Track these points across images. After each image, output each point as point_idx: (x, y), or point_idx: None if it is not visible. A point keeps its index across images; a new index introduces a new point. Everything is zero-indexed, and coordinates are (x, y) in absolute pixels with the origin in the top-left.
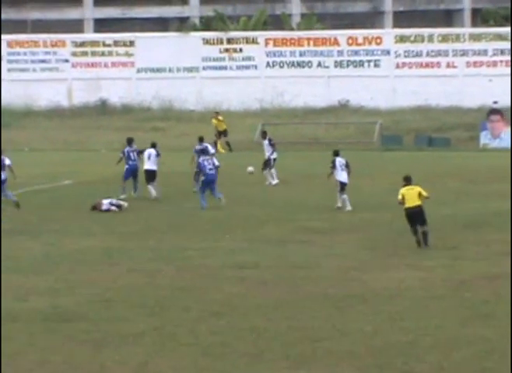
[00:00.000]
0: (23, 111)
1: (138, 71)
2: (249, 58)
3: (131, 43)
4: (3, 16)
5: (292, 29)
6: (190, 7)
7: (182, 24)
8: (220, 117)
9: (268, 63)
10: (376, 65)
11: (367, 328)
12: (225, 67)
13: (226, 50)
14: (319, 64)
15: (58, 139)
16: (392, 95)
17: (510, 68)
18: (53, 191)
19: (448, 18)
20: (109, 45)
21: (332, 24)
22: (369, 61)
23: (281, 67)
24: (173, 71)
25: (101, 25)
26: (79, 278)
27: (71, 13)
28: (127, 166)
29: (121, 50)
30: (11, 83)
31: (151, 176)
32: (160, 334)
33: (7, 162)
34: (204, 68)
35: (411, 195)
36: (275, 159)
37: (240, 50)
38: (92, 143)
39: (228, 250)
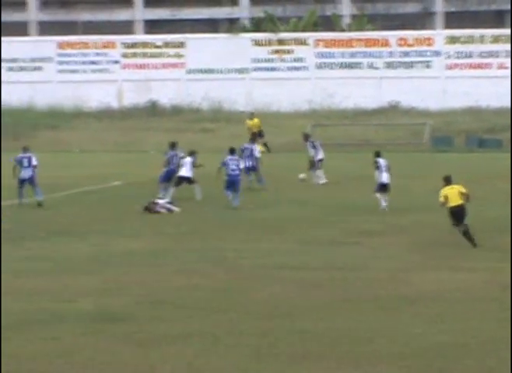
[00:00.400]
0: (73, 112)
1: (188, 72)
2: (299, 59)
3: (182, 45)
4: (54, 18)
5: (342, 30)
6: (240, 8)
7: (232, 25)
8: (256, 119)
9: (318, 64)
10: (426, 66)
11: (416, 330)
12: (275, 69)
13: (276, 52)
14: (369, 66)
15: (108, 140)
16: (443, 97)
17: None
18: (102, 192)
19: (499, 18)
20: (159, 46)
21: (383, 25)
22: (419, 62)
23: (331, 68)
24: (223, 73)
25: (151, 26)
26: (127, 279)
27: (121, 14)
28: (166, 169)
29: (171, 51)
30: (61, 84)
31: (182, 181)
32: (207, 335)
33: (34, 162)
34: (254, 69)
35: (453, 194)
36: (320, 160)
37: (290, 51)
38: (141, 144)
39: (280, 251)
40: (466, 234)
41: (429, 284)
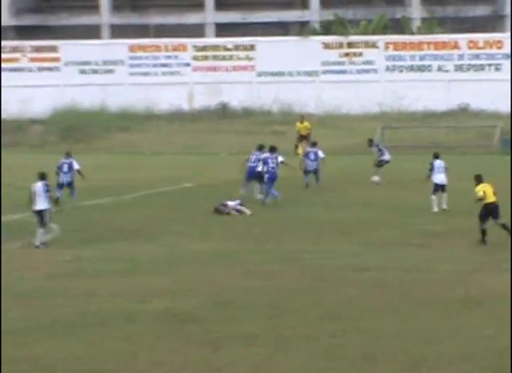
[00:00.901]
0: (144, 115)
1: (259, 74)
2: (369, 62)
3: (252, 47)
4: (125, 21)
5: (412, 33)
6: (310, 11)
7: (302, 28)
8: (306, 122)
9: (387, 67)
10: (496, 69)
11: (486, 331)
12: (344, 71)
13: (346, 54)
14: (439, 68)
15: (179, 142)
16: None
17: None
18: (173, 194)
19: None
20: (230, 49)
21: (452, 28)
22: (489, 65)
23: (401, 71)
24: (293, 75)
25: (222, 29)
26: (197, 280)
27: (192, 18)
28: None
29: (242, 54)
30: (133, 87)
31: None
32: (276, 336)
33: (76, 166)
34: (323, 72)
35: (489, 192)
36: (387, 162)
37: (360, 54)
38: (212, 146)
39: (344, 253)
40: (505, 227)
41: (495, 286)
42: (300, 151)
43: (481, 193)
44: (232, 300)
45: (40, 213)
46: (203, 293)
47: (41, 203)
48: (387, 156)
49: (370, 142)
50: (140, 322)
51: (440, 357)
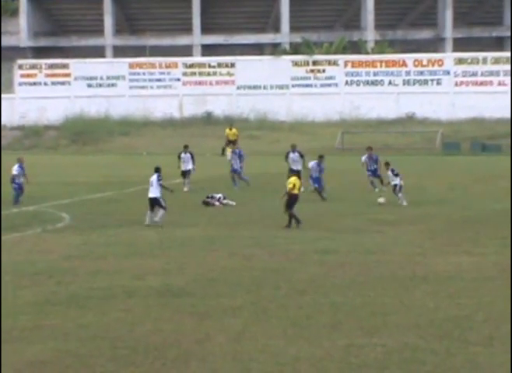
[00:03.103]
0: (142, 121)
1: (238, 88)
2: (331, 77)
3: (232, 65)
4: (126, 42)
5: (367, 52)
6: (281, 34)
7: (275, 49)
8: (234, 129)
9: (346, 81)
10: (438, 83)
11: (430, 304)
12: (310, 85)
13: (312, 71)
14: (390, 83)
15: (171, 145)
16: (452, 109)
17: None
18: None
19: (499, 43)
20: (214, 66)
21: (401, 48)
22: (432, 80)
23: (357, 85)
24: (267, 88)
25: (207, 49)
26: (187, 261)
27: (182, 40)
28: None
29: (224, 70)
30: (132, 98)
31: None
32: (255, 308)
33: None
34: (293, 86)
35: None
36: (400, 187)
37: (324, 70)
38: (199, 148)
39: (312, 238)
40: None
41: (441, 266)
42: (228, 152)
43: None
44: (217, 278)
45: (151, 200)
46: (192, 272)
47: (153, 192)
48: (399, 181)
49: (387, 165)
50: (138, 297)
51: (391, 326)
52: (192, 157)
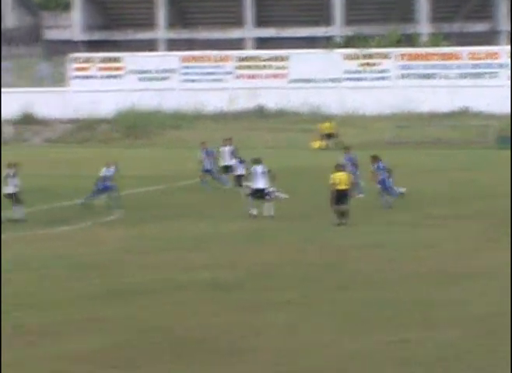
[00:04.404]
0: (193, 115)
1: (290, 81)
2: (383, 71)
3: (285, 58)
4: (178, 36)
5: (420, 46)
6: (334, 28)
7: (327, 42)
8: (329, 123)
9: (399, 75)
10: (493, 77)
11: (480, 300)
12: (363, 79)
13: (365, 64)
14: (443, 76)
15: (222, 139)
16: (507, 103)
17: None
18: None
19: None
20: (266, 60)
21: (457, 41)
22: (487, 73)
23: (410, 78)
24: (320, 82)
25: (260, 43)
26: (237, 254)
27: (234, 33)
28: None
29: (276, 64)
30: (184, 92)
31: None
32: (305, 302)
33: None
34: (345, 79)
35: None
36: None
37: (376, 64)
38: (250, 142)
39: (363, 233)
40: None
41: (495, 262)
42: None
43: None
44: (267, 272)
45: (258, 190)
46: (242, 266)
47: (259, 183)
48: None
49: (374, 160)
50: (189, 290)
51: (442, 321)
52: (234, 152)
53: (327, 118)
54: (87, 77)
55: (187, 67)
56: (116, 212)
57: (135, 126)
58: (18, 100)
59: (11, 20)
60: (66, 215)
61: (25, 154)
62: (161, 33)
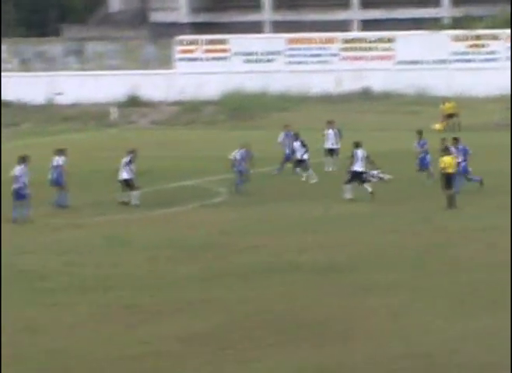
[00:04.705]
0: (299, 97)
1: (397, 63)
2: (492, 52)
3: (391, 40)
4: (284, 18)
5: None
6: (441, 9)
7: (435, 23)
8: (449, 103)
9: (508, 56)
10: None
11: None
12: (471, 60)
13: (473, 46)
14: None
15: (326, 121)
16: None
17: None
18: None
19: None
20: (372, 42)
21: None
22: None
23: None
24: (426, 64)
25: (365, 24)
26: (349, 236)
27: (340, 15)
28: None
29: (383, 45)
30: (289, 74)
31: None
32: (416, 285)
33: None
34: (452, 61)
35: None
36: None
37: (485, 45)
38: (356, 124)
39: (473, 215)
40: None
41: None
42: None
43: None
44: (379, 254)
45: (358, 173)
46: (354, 247)
47: (358, 166)
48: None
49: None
50: (300, 272)
51: None
52: (338, 134)
53: (446, 99)
54: (193, 59)
55: (292, 49)
56: (223, 194)
57: (240, 108)
58: (124, 83)
59: (117, 3)
60: (172, 197)
61: (131, 136)
62: (267, 15)
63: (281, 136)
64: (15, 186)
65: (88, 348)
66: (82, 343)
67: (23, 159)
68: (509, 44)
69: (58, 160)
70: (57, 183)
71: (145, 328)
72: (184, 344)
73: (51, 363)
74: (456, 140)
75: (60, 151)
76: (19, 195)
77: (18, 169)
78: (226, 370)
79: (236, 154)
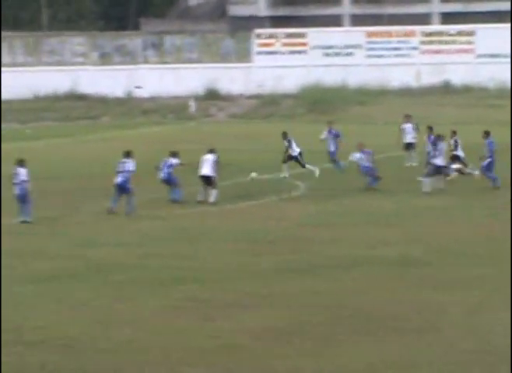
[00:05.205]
0: (378, 91)
1: (477, 56)
2: None
3: (472, 33)
4: (363, 11)
5: None
6: None
7: None
8: None
9: None
10: None
11: None
12: None
13: None
14: None
15: (404, 115)
16: None
17: None
18: (401, 158)
19: None
20: (452, 35)
21: None
22: None
23: None
24: (507, 57)
25: (446, 17)
26: (425, 230)
27: (420, 8)
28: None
29: (463, 38)
30: (369, 67)
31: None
32: (493, 280)
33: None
34: None
35: None
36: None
37: None
38: (437, 118)
39: None
40: None
41: None
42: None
43: None
44: (455, 248)
45: (439, 167)
46: (430, 242)
47: (440, 160)
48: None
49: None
50: (375, 266)
51: None
52: (415, 128)
53: None
54: (271, 52)
55: (372, 43)
56: (300, 188)
57: (319, 101)
58: (203, 76)
59: None
60: (251, 190)
61: (209, 129)
62: (346, 8)
63: (324, 133)
64: (118, 179)
65: (160, 341)
66: (154, 334)
67: (128, 154)
68: None
69: (172, 161)
70: (169, 182)
71: (218, 321)
72: (257, 338)
73: (125, 355)
74: (487, 134)
75: (173, 154)
76: (123, 189)
77: (127, 164)
78: (298, 365)
79: (354, 156)
